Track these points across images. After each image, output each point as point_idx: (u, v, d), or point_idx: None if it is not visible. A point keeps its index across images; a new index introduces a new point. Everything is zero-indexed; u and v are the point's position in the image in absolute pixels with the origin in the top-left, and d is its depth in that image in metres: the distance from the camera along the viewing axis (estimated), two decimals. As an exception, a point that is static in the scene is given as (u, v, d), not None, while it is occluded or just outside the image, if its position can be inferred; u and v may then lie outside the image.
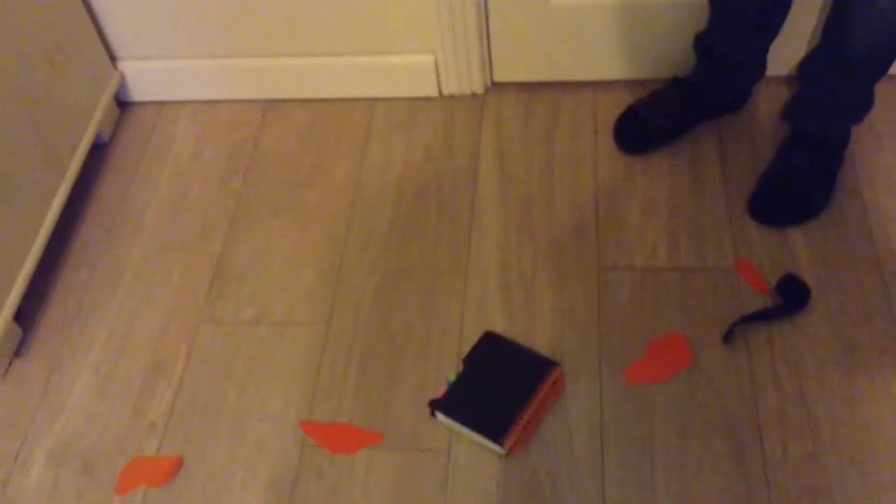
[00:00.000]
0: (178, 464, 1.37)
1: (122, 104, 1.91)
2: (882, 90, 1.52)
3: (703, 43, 1.64)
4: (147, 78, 1.88)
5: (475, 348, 1.44)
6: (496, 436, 1.32)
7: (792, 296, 1.44)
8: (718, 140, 1.68)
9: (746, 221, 1.56)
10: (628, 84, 1.80)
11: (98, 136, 1.81)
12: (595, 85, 1.81)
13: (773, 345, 1.40)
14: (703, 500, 1.26)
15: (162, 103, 1.91)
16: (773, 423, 1.32)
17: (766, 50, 1.63)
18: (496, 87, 1.84)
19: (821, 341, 1.40)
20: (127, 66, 1.87)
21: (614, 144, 1.69)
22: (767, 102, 1.73)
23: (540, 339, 1.45)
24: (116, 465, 1.38)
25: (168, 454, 1.39)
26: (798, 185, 1.54)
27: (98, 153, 1.82)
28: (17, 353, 1.53)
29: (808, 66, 1.55)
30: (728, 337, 1.41)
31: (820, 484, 1.26)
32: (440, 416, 1.37)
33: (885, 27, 1.34)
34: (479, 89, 1.82)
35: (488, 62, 1.80)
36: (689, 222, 1.57)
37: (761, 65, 1.65)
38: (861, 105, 1.52)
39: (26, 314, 1.57)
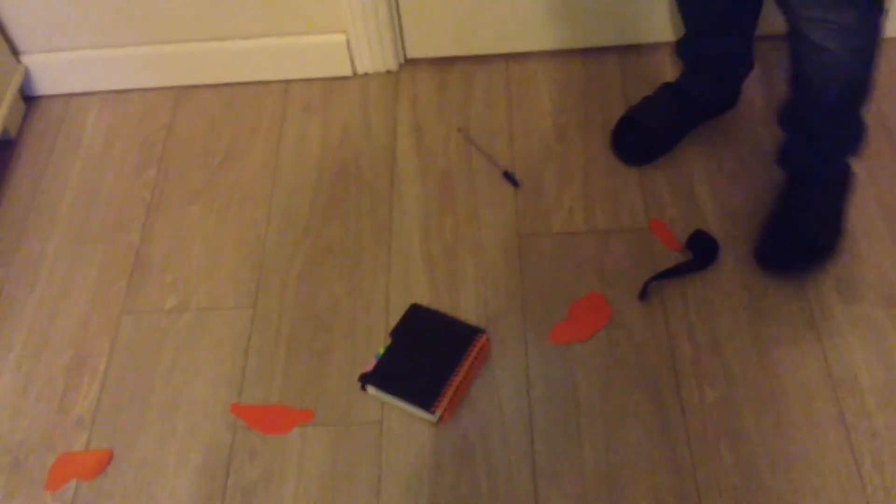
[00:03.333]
0: (109, 456, 1.36)
1: (28, 98, 1.86)
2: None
3: (682, 47, 1.63)
4: (53, 70, 1.83)
5: (402, 321, 1.46)
6: (427, 404, 1.35)
7: (702, 251, 1.50)
8: (627, 104, 1.73)
9: (657, 183, 1.62)
10: (540, 55, 1.84)
11: (4, 132, 1.76)
12: (507, 57, 1.84)
13: (686, 298, 1.46)
14: (628, 448, 1.31)
15: (70, 96, 1.86)
16: (688, 371, 1.38)
17: (749, 45, 1.59)
18: (410, 63, 1.86)
19: (730, 292, 1.47)
20: (31, 60, 1.82)
21: (615, 156, 1.65)
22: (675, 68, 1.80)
23: (465, 308, 1.48)
24: (46, 461, 1.36)
25: (97, 448, 1.37)
26: (804, 229, 1.47)
27: (5, 149, 1.77)
28: (-68, 358, 1.49)
29: (785, 115, 1.48)
30: (643, 294, 1.46)
31: (736, 426, 1.32)
32: (371, 390, 1.39)
33: (842, 62, 1.29)
34: (392, 66, 1.83)
35: (400, 39, 1.81)
36: (603, 187, 1.62)
37: (747, 60, 1.62)
38: (852, 137, 1.45)
39: (-61, 317, 1.53)
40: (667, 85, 1.69)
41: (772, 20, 1.50)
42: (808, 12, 1.25)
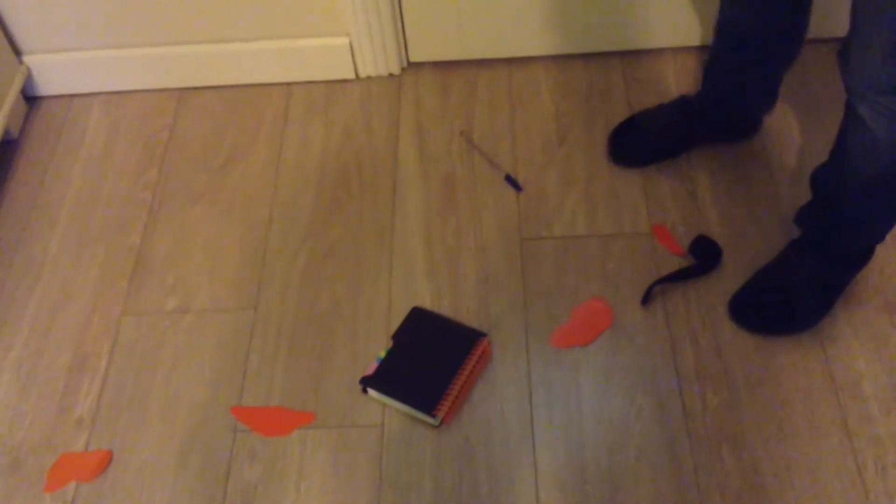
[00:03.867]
0: (108, 457, 1.36)
1: (30, 99, 1.86)
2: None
3: (707, 65, 1.57)
4: (55, 71, 1.83)
5: (404, 324, 1.45)
6: (428, 407, 1.34)
7: (705, 256, 1.50)
8: (629, 109, 1.73)
9: (660, 187, 1.61)
10: (543, 60, 1.84)
11: (6, 132, 1.76)
12: (510, 62, 1.84)
13: (689, 303, 1.46)
14: (629, 453, 1.31)
15: (72, 96, 1.86)
16: (691, 376, 1.38)
17: (777, 80, 1.54)
18: (413, 66, 1.86)
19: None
20: (33, 60, 1.82)
21: (608, 156, 1.65)
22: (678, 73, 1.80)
23: (467, 312, 1.48)
24: (45, 462, 1.36)
25: (97, 448, 1.37)
26: (789, 296, 1.40)
27: (7, 150, 1.77)
28: (-69, 358, 1.48)
29: (817, 177, 1.39)
30: (646, 298, 1.46)
31: (738, 431, 1.32)
32: (372, 393, 1.39)
33: (882, 149, 1.20)
34: (395, 70, 1.83)
35: (403, 42, 1.81)
36: (605, 191, 1.62)
37: (770, 94, 1.57)
38: (878, 223, 1.36)
39: (-61, 317, 1.52)
40: (683, 98, 1.65)
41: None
42: (862, 88, 1.17)
